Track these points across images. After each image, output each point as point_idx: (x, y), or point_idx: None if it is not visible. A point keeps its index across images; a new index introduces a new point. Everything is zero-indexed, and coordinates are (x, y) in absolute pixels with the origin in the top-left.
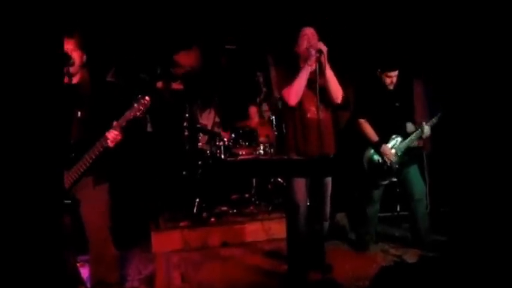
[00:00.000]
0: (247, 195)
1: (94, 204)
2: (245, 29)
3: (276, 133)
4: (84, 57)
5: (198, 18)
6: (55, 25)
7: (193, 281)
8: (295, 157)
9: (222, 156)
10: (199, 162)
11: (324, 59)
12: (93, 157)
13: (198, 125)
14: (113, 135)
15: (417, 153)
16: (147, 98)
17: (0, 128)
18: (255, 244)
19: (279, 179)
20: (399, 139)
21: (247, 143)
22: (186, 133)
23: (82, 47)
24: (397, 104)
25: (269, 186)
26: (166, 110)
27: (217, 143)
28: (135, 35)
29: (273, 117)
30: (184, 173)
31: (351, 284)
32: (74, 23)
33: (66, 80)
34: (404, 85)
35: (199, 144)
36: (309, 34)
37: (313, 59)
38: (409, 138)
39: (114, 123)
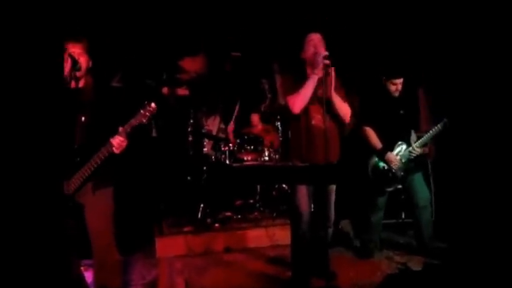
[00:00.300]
0: (251, 201)
1: (98, 209)
2: (251, 36)
3: (281, 139)
4: (90, 62)
5: (204, 25)
6: (58, 31)
7: (196, 286)
8: (299, 164)
9: (227, 162)
10: (204, 168)
11: (330, 82)
12: (98, 162)
13: (204, 131)
14: (117, 142)
15: (422, 161)
16: (153, 105)
17: (2, 131)
18: (258, 250)
19: (284, 186)
20: (404, 146)
21: (252, 147)
22: (191, 138)
23: (89, 52)
24: (401, 112)
25: (273, 192)
26: (171, 115)
27: (222, 149)
28: (142, 41)
29: (279, 123)
30: (188, 178)
31: None
32: (81, 28)
33: (73, 84)
34: (409, 93)
35: (204, 149)
36: (315, 40)
37: (320, 66)
38: (411, 147)
39: (120, 128)
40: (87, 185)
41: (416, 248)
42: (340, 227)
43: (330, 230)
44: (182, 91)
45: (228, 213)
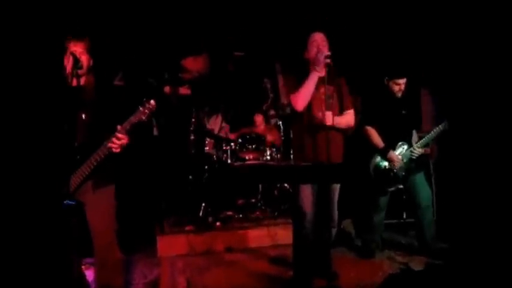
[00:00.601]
0: (253, 201)
1: (99, 207)
2: (253, 36)
3: (282, 138)
4: (92, 61)
5: (206, 24)
6: (59, 31)
7: (198, 286)
8: (302, 163)
9: (229, 161)
10: (206, 167)
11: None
12: (98, 160)
13: (206, 130)
14: (116, 142)
15: (423, 161)
16: (152, 102)
17: (3, 130)
18: (260, 250)
19: (285, 185)
20: (406, 146)
21: (254, 146)
22: (193, 137)
23: (90, 50)
24: (404, 112)
25: (275, 191)
26: (173, 114)
27: (224, 148)
28: (144, 40)
29: (280, 122)
30: (190, 177)
31: None
32: (84, 26)
33: (74, 82)
34: (412, 93)
35: (206, 148)
36: (318, 40)
37: (322, 65)
38: (413, 147)
39: (118, 127)
40: (87, 183)
41: (418, 248)
42: (342, 226)
43: (334, 230)
44: (184, 90)
45: (230, 213)
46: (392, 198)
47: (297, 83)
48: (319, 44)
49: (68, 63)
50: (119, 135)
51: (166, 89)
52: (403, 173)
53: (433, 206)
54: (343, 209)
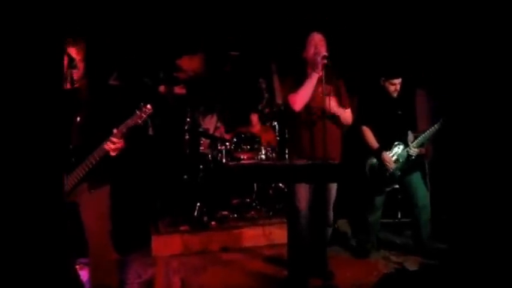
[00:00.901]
0: (248, 200)
1: (94, 208)
2: (249, 36)
3: (278, 138)
4: (85, 63)
5: (202, 24)
6: (57, 28)
7: (193, 286)
8: (298, 162)
9: (224, 161)
10: (201, 166)
11: (335, 94)
12: (94, 162)
13: (200, 129)
14: (112, 146)
15: (419, 161)
16: (149, 106)
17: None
18: (255, 249)
19: (280, 184)
20: (401, 147)
21: (248, 147)
22: (188, 137)
23: (86, 52)
24: (399, 112)
25: (270, 191)
26: (168, 114)
27: (219, 147)
28: (139, 39)
29: (275, 123)
30: (185, 177)
31: None
32: (78, 25)
33: (68, 84)
34: (406, 93)
35: (201, 148)
36: (316, 40)
37: (320, 65)
38: (408, 147)
39: (115, 130)
40: (82, 184)
41: (413, 248)
42: (336, 226)
43: (329, 229)
44: (179, 90)
45: (225, 212)
46: (388, 198)
47: (295, 83)
48: (317, 44)
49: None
50: (114, 139)
51: (162, 88)
52: (399, 173)
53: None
54: (339, 209)
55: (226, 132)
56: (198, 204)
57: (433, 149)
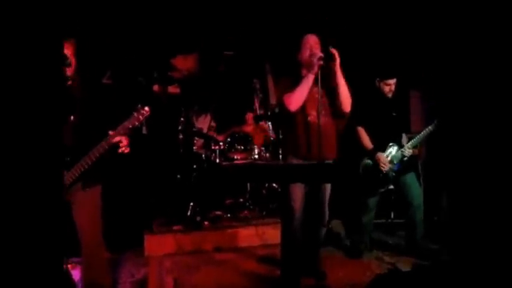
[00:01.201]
0: (241, 200)
1: (87, 207)
2: (244, 36)
3: (272, 138)
4: (76, 60)
5: (197, 23)
6: (56, 27)
7: (186, 286)
8: (293, 161)
9: (217, 161)
10: (194, 166)
11: (336, 65)
12: (90, 162)
13: (194, 129)
14: (122, 145)
15: (413, 161)
16: (146, 108)
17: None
18: (248, 249)
19: (273, 184)
20: (396, 147)
21: (242, 147)
22: (181, 137)
23: (77, 51)
24: (394, 113)
25: (263, 191)
26: (162, 113)
27: (213, 147)
28: (133, 38)
29: (269, 122)
30: (178, 176)
31: None
32: (72, 24)
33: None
34: (401, 94)
35: (195, 148)
36: (311, 42)
37: (316, 67)
38: (403, 148)
39: (111, 132)
40: (77, 183)
41: (406, 248)
42: (330, 226)
43: (324, 229)
44: (173, 89)
45: (218, 212)
46: (381, 198)
47: (290, 84)
48: (312, 46)
49: None
50: (119, 138)
51: (156, 87)
52: (393, 174)
53: None
54: (332, 209)
55: (219, 132)
56: (192, 204)
57: (426, 150)
